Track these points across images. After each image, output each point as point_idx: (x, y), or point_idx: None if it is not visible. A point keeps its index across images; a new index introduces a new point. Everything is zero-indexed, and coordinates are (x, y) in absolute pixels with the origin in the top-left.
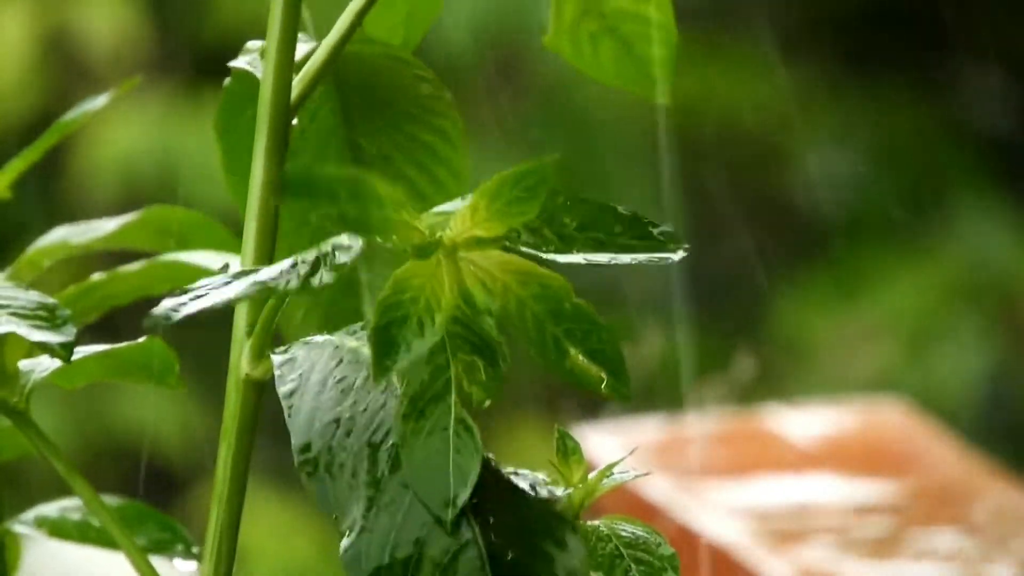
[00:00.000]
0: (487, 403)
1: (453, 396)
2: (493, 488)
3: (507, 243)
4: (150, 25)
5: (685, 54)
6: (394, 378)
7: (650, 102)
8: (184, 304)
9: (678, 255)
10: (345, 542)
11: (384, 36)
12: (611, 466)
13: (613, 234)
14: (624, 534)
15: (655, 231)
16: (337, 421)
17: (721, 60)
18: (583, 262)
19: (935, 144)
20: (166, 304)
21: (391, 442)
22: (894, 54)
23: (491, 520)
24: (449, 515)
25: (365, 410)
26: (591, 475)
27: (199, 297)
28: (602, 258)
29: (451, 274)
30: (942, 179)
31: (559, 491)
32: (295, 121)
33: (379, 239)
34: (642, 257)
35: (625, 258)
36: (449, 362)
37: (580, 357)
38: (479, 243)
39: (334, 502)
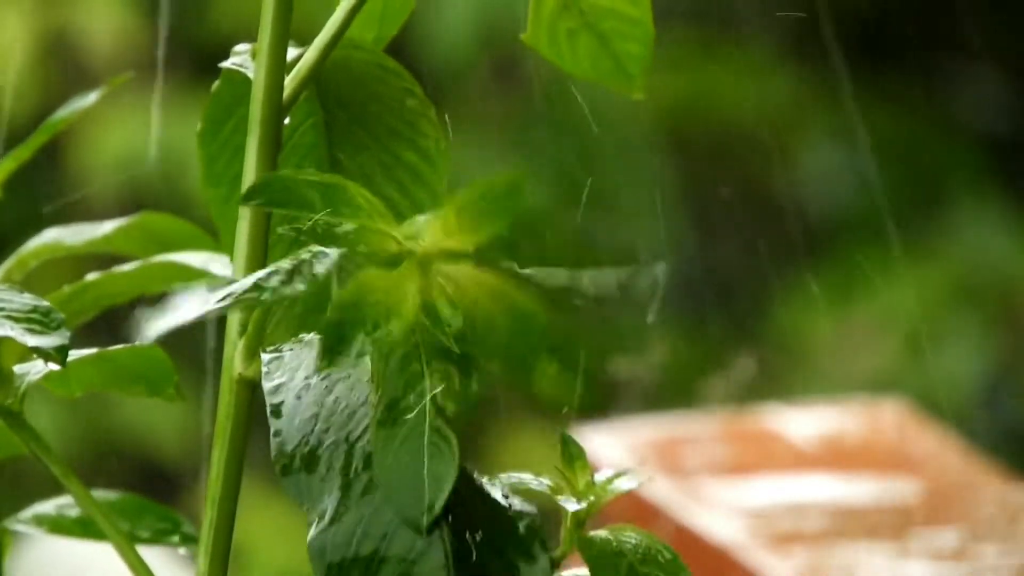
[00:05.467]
0: (464, 414)
1: (427, 404)
2: (465, 492)
3: (481, 257)
4: (149, 25)
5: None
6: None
7: (650, 102)
8: (163, 320)
9: (653, 291)
10: (312, 532)
11: (358, 32)
12: (615, 476)
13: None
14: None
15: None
16: (316, 416)
17: (720, 60)
18: (560, 282)
19: (934, 144)
20: (146, 322)
21: (367, 438)
22: (893, 54)
23: (460, 524)
24: (425, 521)
25: (345, 406)
26: (595, 479)
27: (175, 312)
28: (579, 278)
29: (416, 284)
30: (942, 179)
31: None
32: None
33: (350, 248)
34: (619, 280)
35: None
36: (424, 371)
37: (548, 373)
38: (451, 256)
39: (307, 495)
